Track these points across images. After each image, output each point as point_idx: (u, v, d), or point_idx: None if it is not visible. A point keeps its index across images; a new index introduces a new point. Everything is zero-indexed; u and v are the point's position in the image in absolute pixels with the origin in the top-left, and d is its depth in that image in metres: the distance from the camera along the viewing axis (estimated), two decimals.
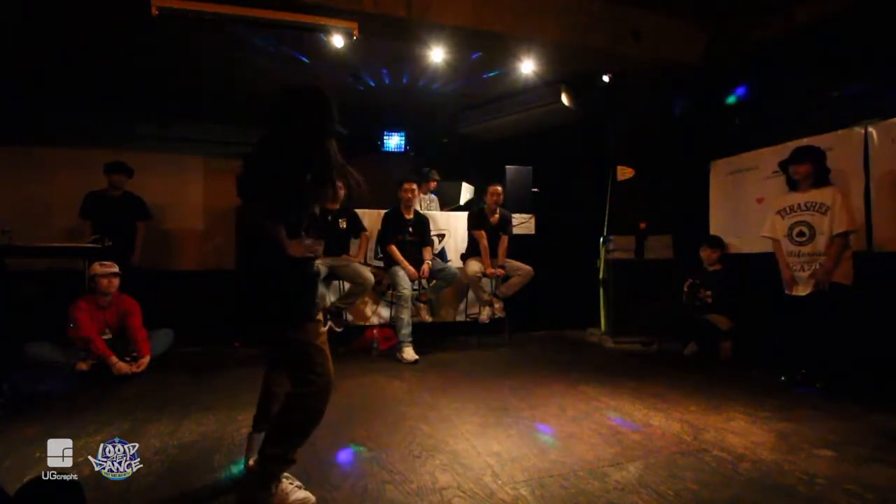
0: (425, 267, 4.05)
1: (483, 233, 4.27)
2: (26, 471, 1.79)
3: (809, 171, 3.03)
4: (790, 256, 3.09)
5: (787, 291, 3.11)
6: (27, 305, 3.97)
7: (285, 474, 1.59)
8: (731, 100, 4.45)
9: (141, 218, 4.37)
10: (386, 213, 4.25)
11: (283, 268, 1.57)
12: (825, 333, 2.90)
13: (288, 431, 1.57)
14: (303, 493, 1.58)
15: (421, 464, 1.91)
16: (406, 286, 3.89)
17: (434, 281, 4.22)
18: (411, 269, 3.99)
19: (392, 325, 4.25)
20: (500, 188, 4.34)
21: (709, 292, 3.97)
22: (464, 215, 4.58)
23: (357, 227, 4.25)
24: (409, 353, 3.73)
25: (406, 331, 3.81)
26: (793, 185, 3.14)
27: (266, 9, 3.36)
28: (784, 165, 3.16)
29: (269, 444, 1.56)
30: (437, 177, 5.44)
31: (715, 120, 4.60)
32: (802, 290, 3.02)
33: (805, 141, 3.57)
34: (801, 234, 3.05)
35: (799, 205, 3.07)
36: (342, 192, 4.07)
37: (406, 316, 3.84)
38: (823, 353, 2.91)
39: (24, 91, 4.81)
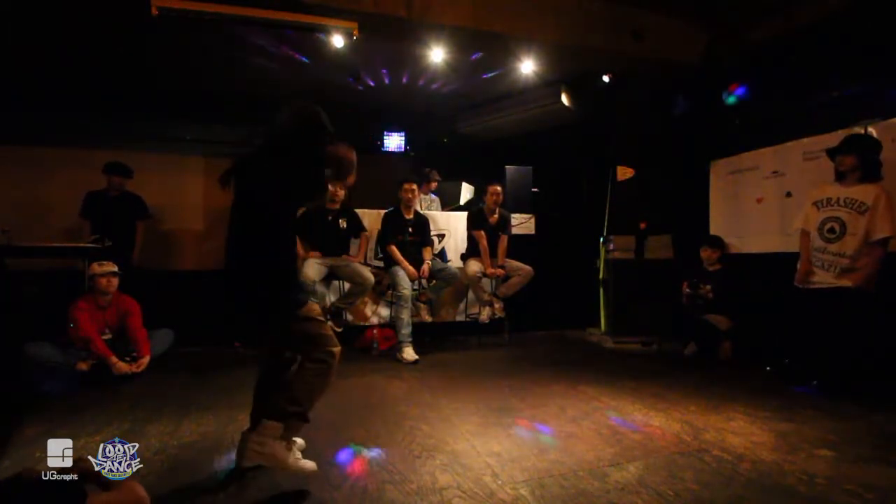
0: (425, 267, 4.05)
1: (482, 233, 4.27)
2: None
3: (855, 163, 2.76)
4: (814, 252, 2.90)
5: (796, 284, 2.98)
6: (27, 305, 3.97)
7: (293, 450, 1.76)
8: (731, 100, 4.45)
9: (140, 218, 4.37)
10: (386, 213, 4.25)
11: (277, 264, 1.76)
12: (835, 334, 2.78)
13: (307, 394, 1.75)
14: (309, 463, 1.75)
15: (421, 464, 1.91)
16: (406, 286, 3.89)
17: (434, 281, 4.22)
18: (411, 269, 3.99)
19: (392, 325, 4.25)
20: (499, 188, 4.34)
21: (708, 286, 3.97)
22: (464, 215, 4.58)
23: (357, 227, 4.25)
24: (409, 353, 3.73)
25: (406, 331, 3.81)
26: (839, 177, 2.88)
27: (266, 9, 3.35)
28: (831, 155, 2.92)
29: (289, 402, 1.72)
30: (437, 177, 5.44)
31: (715, 120, 4.60)
32: (817, 284, 2.87)
33: (805, 141, 3.58)
34: (831, 230, 2.82)
35: (838, 199, 2.82)
36: (342, 193, 4.08)
37: (406, 316, 3.84)
38: (826, 351, 2.84)
39: (24, 91, 4.81)
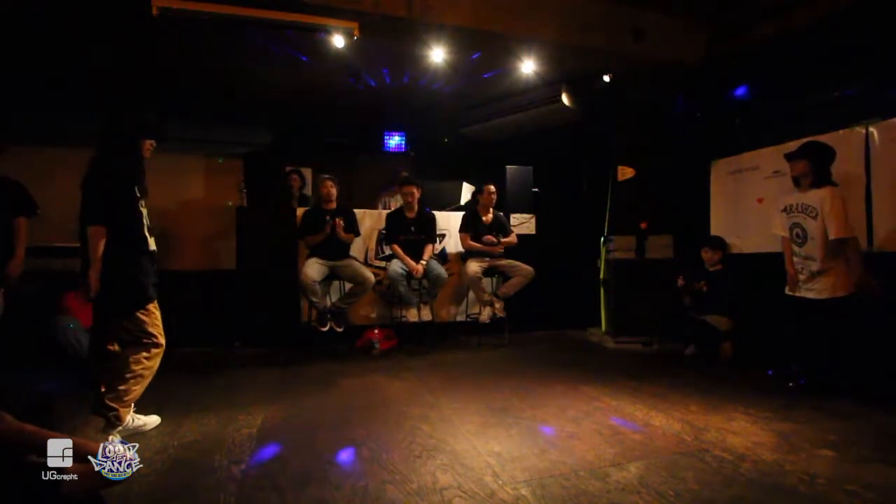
0: (420, 267, 4.09)
1: (467, 236, 4.38)
2: None
3: (806, 169, 2.90)
4: (793, 256, 3.02)
5: (788, 292, 3.05)
6: (27, 305, 3.96)
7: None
8: (731, 100, 4.45)
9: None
10: (389, 213, 4.38)
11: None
12: (821, 340, 2.87)
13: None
14: (152, 418, 2.26)
15: (421, 464, 1.90)
16: (395, 268, 4.02)
17: (425, 281, 4.25)
18: (412, 263, 4.09)
19: (392, 325, 4.26)
20: (492, 187, 4.42)
21: (703, 281, 3.96)
22: None
23: (354, 228, 4.23)
24: (412, 313, 4.04)
25: (409, 299, 4.07)
26: (795, 182, 3.03)
27: (266, 9, 3.35)
28: (789, 158, 3.05)
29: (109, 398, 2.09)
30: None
31: (715, 120, 4.60)
32: (800, 292, 2.97)
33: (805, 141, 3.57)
34: (798, 235, 2.98)
35: (797, 205, 2.99)
36: (335, 191, 4.10)
37: (404, 290, 4.02)
38: (817, 355, 2.89)
39: (25, 91, 4.81)
